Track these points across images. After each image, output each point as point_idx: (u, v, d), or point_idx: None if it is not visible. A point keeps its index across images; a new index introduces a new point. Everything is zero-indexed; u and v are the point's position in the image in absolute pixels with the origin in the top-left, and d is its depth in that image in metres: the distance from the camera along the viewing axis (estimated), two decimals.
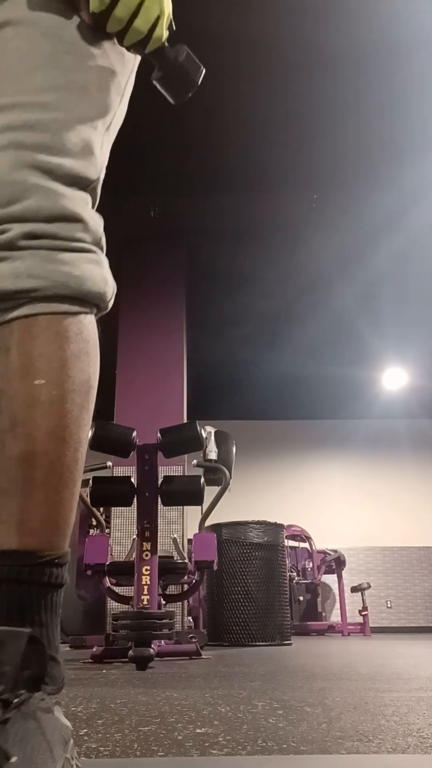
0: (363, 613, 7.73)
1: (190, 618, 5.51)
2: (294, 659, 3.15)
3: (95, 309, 0.70)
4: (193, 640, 3.52)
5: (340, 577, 7.92)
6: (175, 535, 5.06)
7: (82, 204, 0.69)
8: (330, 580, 8.92)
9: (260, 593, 4.98)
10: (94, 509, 3.53)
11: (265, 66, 4.31)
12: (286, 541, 5.62)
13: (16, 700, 0.53)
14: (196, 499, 3.25)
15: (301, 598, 8.07)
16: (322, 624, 8.07)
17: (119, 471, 4.48)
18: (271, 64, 4.30)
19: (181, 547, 4.96)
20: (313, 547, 8.37)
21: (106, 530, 4.33)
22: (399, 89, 4.52)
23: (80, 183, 0.70)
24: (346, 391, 9.37)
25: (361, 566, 9.96)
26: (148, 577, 3.03)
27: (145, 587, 3.03)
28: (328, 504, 9.98)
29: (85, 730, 1.04)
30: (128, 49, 0.78)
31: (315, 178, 5.35)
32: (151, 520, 3.13)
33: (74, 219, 0.67)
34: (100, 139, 0.75)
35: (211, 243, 6.06)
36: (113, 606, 4.76)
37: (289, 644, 4.86)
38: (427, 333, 8.00)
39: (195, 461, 3.68)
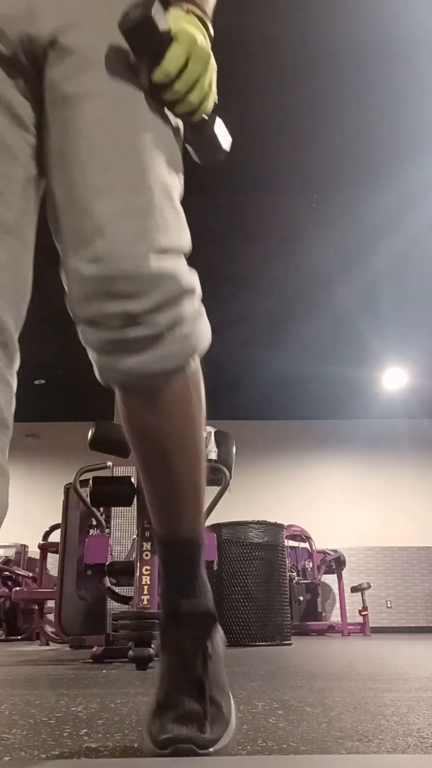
0: (363, 613, 7.73)
1: None
2: (294, 659, 3.15)
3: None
4: None
5: (340, 577, 7.93)
6: None
7: (187, 270, 0.81)
8: (330, 580, 8.92)
9: (260, 593, 4.98)
10: (94, 509, 3.53)
11: (265, 66, 4.31)
12: (286, 541, 5.62)
13: (210, 653, 0.82)
14: None
15: (301, 598, 8.07)
16: (322, 624, 8.07)
17: (119, 471, 4.48)
18: (270, 64, 4.30)
19: None
20: (313, 547, 8.37)
21: (106, 530, 4.33)
22: (399, 89, 4.51)
23: (184, 253, 0.82)
24: (346, 391, 9.37)
25: (361, 566, 9.96)
26: (148, 577, 3.03)
27: (145, 587, 3.03)
28: (328, 504, 9.98)
29: (85, 730, 1.04)
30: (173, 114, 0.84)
31: (315, 178, 5.35)
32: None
33: (192, 290, 0.81)
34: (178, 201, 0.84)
35: (211, 243, 6.06)
36: (113, 606, 4.76)
37: (289, 644, 4.86)
38: (427, 333, 7.99)
39: None
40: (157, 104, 0.81)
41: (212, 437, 3.76)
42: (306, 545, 8.43)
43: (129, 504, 3.28)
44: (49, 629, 5.58)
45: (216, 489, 3.62)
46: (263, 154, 5.09)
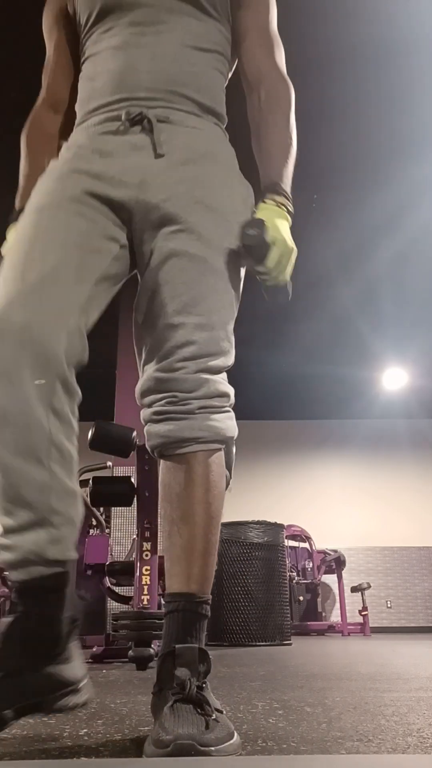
0: (363, 613, 7.73)
1: None
2: (294, 659, 3.15)
3: (227, 444, 1.14)
4: None
5: (340, 577, 7.92)
6: None
7: (225, 383, 1.13)
8: (330, 580, 8.92)
9: (260, 593, 4.98)
10: (94, 509, 3.53)
11: None
12: (286, 541, 5.62)
13: (204, 684, 0.93)
14: None
15: (301, 598, 8.07)
16: (322, 624, 8.07)
17: (119, 471, 4.48)
18: None
19: None
20: (313, 547, 8.36)
21: (106, 530, 4.33)
22: (399, 89, 4.51)
23: (226, 370, 1.14)
24: (346, 391, 9.37)
25: (361, 566, 9.96)
26: (148, 577, 3.03)
27: (145, 587, 3.03)
28: (328, 504, 9.98)
29: (85, 730, 1.04)
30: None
31: (315, 177, 5.35)
32: (151, 520, 3.13)
33: (224, 395, 1.11)
34: (232, 327, 1.17)
35: None
36: (113, 606, 4.76)
37: (289, 644, 4.86)
38: (427, 333, 7.99)
39: None
40: (229, 263, 1.13)
41: None
42: (306, 545, 8.42)
43: (129, 504, 3.28)
44: None
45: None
46: None
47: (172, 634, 0.99)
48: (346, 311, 7.37)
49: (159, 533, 3.21)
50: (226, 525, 5.20)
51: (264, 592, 4.99)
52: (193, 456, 1.06)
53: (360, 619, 7.75)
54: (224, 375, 1.13)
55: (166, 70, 1.18)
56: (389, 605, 9.83)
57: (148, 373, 1.10)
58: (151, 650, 2.59)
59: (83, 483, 4.12)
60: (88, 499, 3.31)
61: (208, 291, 1.10)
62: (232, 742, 0.85)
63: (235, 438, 1.15)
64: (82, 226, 1.07)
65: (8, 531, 0.94)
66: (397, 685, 1.77)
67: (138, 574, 3.06)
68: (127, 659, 2.62)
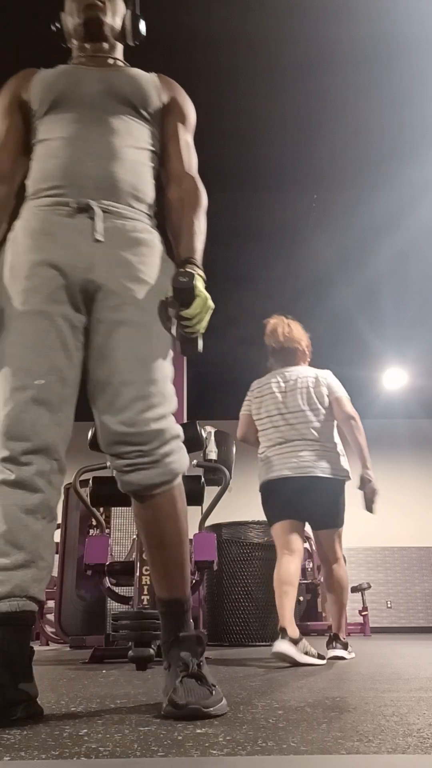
0: (363, 613, 7.73)
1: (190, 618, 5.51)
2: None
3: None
4: None
5: None
6: None
7: (174, 424, 1.34)
8: None
9: (260, 593, 4.98)
10: (94, 509, 3.53)
11: (264, 66, 4.31)
12: None
13: (201, 662, 1.25)
14: (196, 499, 3.25)
15: (301, 598, 8.06)
16: (322, 624, 8.07)
17: None
18: (270, 64, 4.30)
19: None
20: (313, 547, 8.36)
21: (106, 530, 4.33)
22: (399, 89, 4.51)
23: (173, 412, 1.36)
24: (346, 391, 9.37)
25: (361, 566, 9.96)
26: (148, 577, 3.03)
27: (145, 587, 3.03)
28: None
29: (85, 730, 1.04)
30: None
31: (315, 178, 5.35)
32: None
33: (177, 437, 1.35)
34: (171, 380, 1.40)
35: (210, 243, 6.05)
36: (113, 606, 4.76)
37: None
38: (427, 333, 7.99)
39: (195, 461, 3.68)
40: (165, 326, 1.37)
41: (212, 437, 3.76)
42: (306, 545, 8.42)
43: (129, 504, 3.28)
44: (49, 629, 5.58)
45: (216, 489, 3.62)
46: (263, 154, 5.09)
47: (171, 627, 1.33)
48: (346, 311, 7.37)
49: None
50: (226, 525, 5.20)
51: (264, 592, 4.99)
52: (160, 497, 1.32)
53: (360, 619, 7.75)
54: (173, 417, 1.36)
55: (109, 166, 1.43)
56: (389, 605, 9.83)
57: (109, 424, 1.31)
58: (151, 650, 2.59)
59: (83, 483, 4.12)
60: (88, 499, 3.31)
61: (152, 352, 1.34)
62: (223, 703, 1.21)
63: (187, 465, 1.38)
64: (58, 327, 1.33)
65: (2, 568, 1.22)
66: (397, 685, 1.77)
67: (138, 574, 3.06)
68: (127, 659, 2.61)
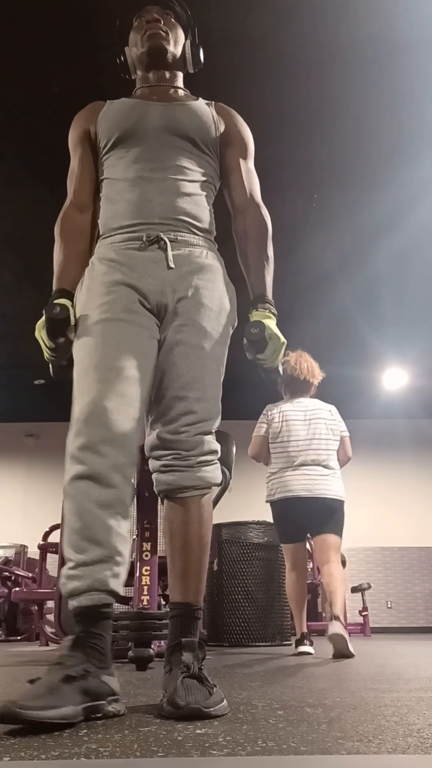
0: (363, 613, 7.73)
1: None
2: (294, 659, 3.15)
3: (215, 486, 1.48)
4: None
5: None
6: None
7: (215, 442, 1.48)
8: None
9: (260, 593, 4.97)
10: None
11: (264, 65, 4.31)
12: None
13: (202, 666, 1.29)
14: None
15: (309, 596, 8.06)
16: (323, 624, 8.06)
17: None
18: (270, 63, 4.30)
19: None
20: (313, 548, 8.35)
21: None
22: (399, 89, 4.51)
23: (215, 430, 1.50)
24: (346, 391, 9.36)
25: (361, 566, 9.96)
26: (148, 578, 3.03)
27: (145, 587, 3.03)
28: None
29: (85, 731, 1.04)
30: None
31: (315, 177, 5.35)
32: (151, 520, 3.13)
33: (214, 452, 1.47)
34: (220, 398, 1.53)
35: None
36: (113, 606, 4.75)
37: (290, 644, 4.85)
38: (427, 333, 7.99)
39: None
40: (218, 349, 1.53)
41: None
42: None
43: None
44: (48, 629, 5.57)
45: (216, 489, 3.61)
46: (263, 154, 5.07)
47: (177, 631, 1.36)
48: (346, 311, 7.36)
49: (159, 534, 3.21)
50: (226, 525, 5.19)
51: (264, 592, 4.98)
52: (191, 499, 1.42)
53: (360, 620, 7.75)
54: (213, 435, 1.48)
55: (171, 202, 1.55)
56: (389, 605, 9.83)
57: (155, 432, 1.45)
58: (151, 651, 2.58)
59: None
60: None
61: (205, 372, 1.47)
62: (223, 704, 1.21)
63: (219, 482, 1.47)
64: (135, 333, 1.44)
65: (80, 564, 1.26)
66: (398, 685, 1.77)
67: (138, 574, 3.06)
68: (127, 660, 2.61)
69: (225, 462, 3.76)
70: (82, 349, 1.42)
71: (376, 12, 3.97)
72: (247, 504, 8.05)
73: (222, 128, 1.69)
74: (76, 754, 0.86)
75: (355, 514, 10.04)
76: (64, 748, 0.90)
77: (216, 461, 1.47)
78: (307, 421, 3.65)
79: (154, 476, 1.46)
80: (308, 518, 3.48)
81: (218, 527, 5.13)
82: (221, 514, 4.45)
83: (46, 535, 5.73)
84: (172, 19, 1.76)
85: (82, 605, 1.24)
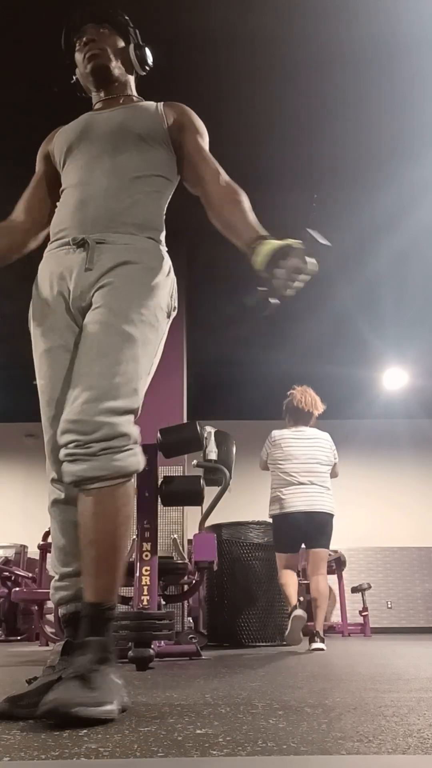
0: (363, 613, 7.73)
1: (189, 619, 5.51)
2: (294, 660, 3.15)
3: (132, 476, 1.35)
4: (193, 640, 3.51)
5: (340, 578, 7.91)
6: (175, 536, 5.06)
7: (129, 424, 1.34)
8: (330, 580, 8.90)
9: (260, 593, 4.97)
10: None
11: (264, 65, 4.31)
12: None
13: (104, 667, 1.19)
14: (196, 499, 3.25)
15: (302, 599, 8.05)
16: (323, 625, 8.05)
17: None
18: (270, 64, 4.30)
19: (181, 548, 4.96)
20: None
21: None
22: (399, 89, 4.51)
23: (129, 412, 1.35)
24: (346, 391, 9.37)
25: (362, 567, 9.96)
26: (148, 578, 3.03)
27: (145, 587, 3.03)
28: None
29: (85, 731, 1.04)
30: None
31: (315, 177, 5.35)
32: (151, 520, 3.12)
33: (124, 435, 1.32)
34: (144, 384, 1.42)
35: (211, 243, 6.04)
36: None
37: (289, 644, 4.85)
38: (427, 333, 7.99)
39: (195, 461, 3.67)
40: (136, 329, 1.41)
41: (212, 437, 3.75)
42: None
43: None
44: (48, 629, 5.57)
45: (216, 489, 3.62)
46: (263, 153, 5.09)
47: (83, 632, 1.27)
48: (346, 311, 7.36)
49: (159, 534, 3.21)
50: (226, 525, 5.19)
51: (264, 592, 4.98)
52: (98, 491, 1.30)
53: (360, 620, 7.75)
54: (129, 417, 1.35)
55: (106, 204, 1.55)
56: (390, 606, 9.83)
57: (62, 416, 1.35)
58: (151, 651, 2.58)
59: None
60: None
61: (112, 348, 1.37)
62: (105, 708, 1.09)
63: (140, 468, 1.36)
64: (68, 364, 1.47)
65: (65, 576, 1.42)
66: (398, 685, 1.77)
67: (138, 574, 3.06)
68: (127, 660, 2.61)
69: (225, 462, 3.76)
70: (38, 377, 1.53)
71: (376, 12, 3.97)
72: (247, 504, 8.05)
73: (171, 119, 1.69)
74: (76, 754, 0.85)
75: (355, 514, 10.11)
76: (64, 748, 0.90)
77: (131, 447, 1.33)
78: (306, 447, 4.28)
79: (62, 467, 1.35)
80: (304, 531, 4.10)
81: (218, 527, 5.13)
82: (221, 514, 4.46)
83: (46, 535, 5.73)
84: (108, 32, 1.76)
85: (69, 612, 1.39)
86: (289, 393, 4.49)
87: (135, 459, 1.34)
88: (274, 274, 1.37)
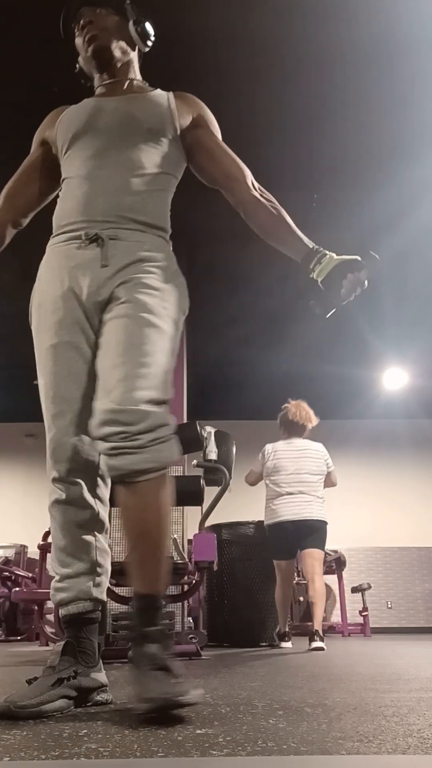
0: (363, 613, 7.73)
1: (189, 619, 5.50)
2: (294, 660, 3.15)
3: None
4: (193, 640, 3.51)
5: (340, 578, 7.91)
6: (175, 536, 5.05)
7: (167, 414, 1.34)
8: (330, 580, 8.91)
9: (260, 593, 4.97)
10: None
11: (264, 65, 4.31)
12: None
13: (168, 653, 1.25)
14: (196, 499, 3.25)
15: (302, 599, 8.06)
16: (323, 624, 8.05)
17: None
18: (270, 64, 4.29)
19: (180, 548, 4.96)
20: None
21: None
22: (399, 89, 4.51)
23: (165, 403, 1.35)
24: (346, 391, 9.37)
25: (362, 567, 9.95)
26: None
27: None
28: (328, 504, 9.95)
29: (85, 731, 1.04)
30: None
31: (315, 177, 5.34)
32: None
33: (166, 425, 1.32)
34: (171, 374, 1.42)
35: (211, 243, 6.05)
36: (113, 606, 4.76)
37: (290, 645, 4.85)
38: (427, 333, 7.99)
39: (195, 461, 3.67)
40: (163, 323, 1.42)
41: (212, 437, 3.75)
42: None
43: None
44: (48, 629, 5.57)
45: (216, 489, 3.61)
46: (263, 153, 5.08)
47: (141, 623, 1.30)
48: (346, 311, 7.35)
49: None
50: (226, 525, 5.19)
51: (264, 592, 4.98)
52: (146, 484, 1.29)
53: (360, 620, 7.75)
54: (167, 407, 1.36)
55: (116, 199, 1.53)
56: (390, 606, 9.83)
57: (98, 405, 1.33)
58: None
59: None
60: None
61: (146, 339, 1.37)
62: (197, 692, 1.14)
63: (175, 459, 1.36)
64: (83, 355, 1.47)
65: (66, 577, 1.43)
66: (398, 685, 1.77)
67: None
68: (127, 659, 2.61)
69: (225, 462, 3.76)
70: (41, 375, 1.51)
71: (376, 12, 3.96)
72: (247, 504, 8.04)
73: (185, 116, 1.66)
74: (76, 754, 0.85)
75: (355, 514, 10.10)
76: (64, 748, 0.90)
77: (170, 434, 1.33)
78: (295, 458, 4.41)
79: (103, 460, 1.36)
80: (295, 537, 4.25)
81: (218, 527, 5.13)
82: (221, 514, 4.46)
83: (46, 535, 5.73)
84: (105, 12, 1.71)
85: (69, 613, 1.42)
86: (283, 407, 4.65)
87: (175, 447, 1.35)
88: (340, 285, 1.51)
